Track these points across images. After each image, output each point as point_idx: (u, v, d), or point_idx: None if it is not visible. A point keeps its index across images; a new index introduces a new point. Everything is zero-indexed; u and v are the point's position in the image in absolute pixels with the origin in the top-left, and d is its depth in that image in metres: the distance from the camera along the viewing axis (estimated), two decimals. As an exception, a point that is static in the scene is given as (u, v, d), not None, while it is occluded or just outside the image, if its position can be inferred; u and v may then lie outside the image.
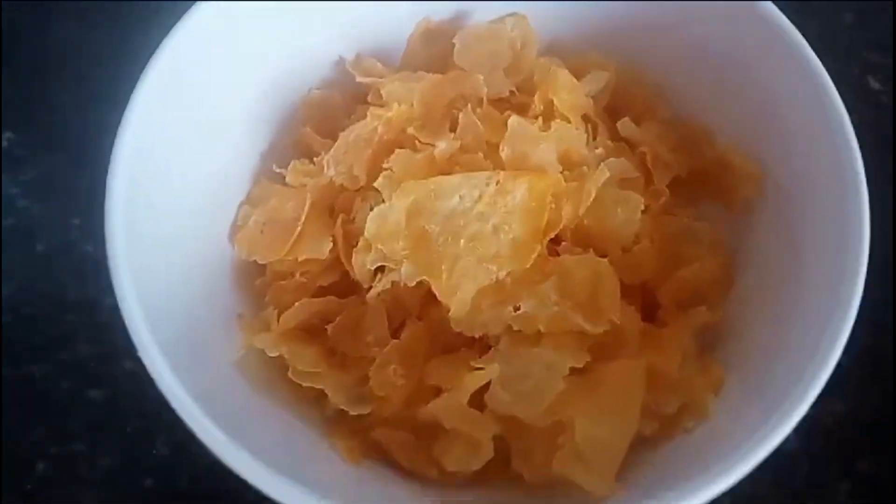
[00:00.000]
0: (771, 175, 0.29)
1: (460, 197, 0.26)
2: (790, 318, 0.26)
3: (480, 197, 0.26)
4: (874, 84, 0.40)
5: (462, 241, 0.26)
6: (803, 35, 0.40)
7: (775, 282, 0.28)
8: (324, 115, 0.33)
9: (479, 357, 0.27)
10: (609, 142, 0.30)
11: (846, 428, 0.34)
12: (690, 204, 0.31)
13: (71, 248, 0.37)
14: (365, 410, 0.28)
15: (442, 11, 0.34)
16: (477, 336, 0.26)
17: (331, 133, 0.32)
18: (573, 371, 0.25)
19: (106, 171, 0.27)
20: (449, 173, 0.27)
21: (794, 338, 0.26)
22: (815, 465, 0.33)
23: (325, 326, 0.29)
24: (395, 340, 0.27)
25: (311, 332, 0.29)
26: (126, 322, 0.24)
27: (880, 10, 0.42)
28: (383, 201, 0.27)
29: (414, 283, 0.26)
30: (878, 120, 0.40)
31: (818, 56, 0.40)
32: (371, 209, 0.28)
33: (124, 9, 0.42)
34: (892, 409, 0.34)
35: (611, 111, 0.32)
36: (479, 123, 0.28)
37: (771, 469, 0.33)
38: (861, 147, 0.38)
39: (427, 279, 0.26)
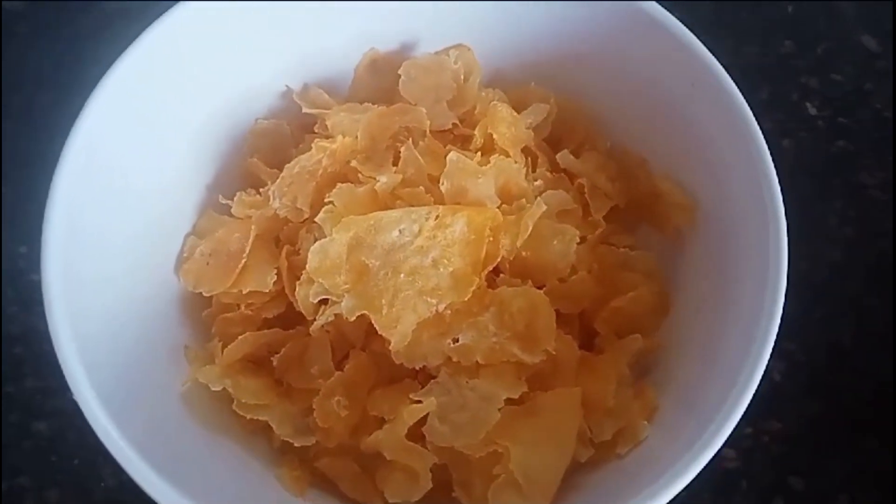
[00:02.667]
0: (702, 204, 0.30)
1: (400, 231, 0.27)
2: (719, 342, 0.27)
3: (420, 231, 0.27)
4: (811, 109, 0.42)
5: (402, 274, 0.26)
6: (743, 60, 0.42)
7: (706, 307, 0.29)
8: (271, 145, 0.34)
9: (422, 387, 0.27)
10: (549, 173, 0.31)
11: (782, 445, 0.35)
12: (628, 231, 0.32)
13: (17, 277, 0.36)
14: (310, 442, 0.28)
15: (389, 42, 0.34)
16: (418, 368, 0.27)
17: (278, 163, 0.32)
18: (511, 400, 0.26)
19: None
20: (391, 207, 0.28)
21: (722, 360, 0.27)
22: (752, 483, 0.34)
23: (271, 358, 0.29)
24: (338, 372, 0.28)
25: (258, 362, 0.30)
26: (60, 363, 0.24)
27: (817, 37, 0.43)
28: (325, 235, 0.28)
29: (354, 318, 0.26)
30: (815, 143, 0.41)
31: (757, 80, 0.43)
32: (315, 241, 0.28)
33: (69, 38, 0.42)
34: (826, 426, 0.35)
35: (552, 141, 0.33)
36: (419, 158, 0.29)
37: (710, 487, 0.34)
38: (798, 169, 0.40)
39: (367, 313, 0.26)
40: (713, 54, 0.30)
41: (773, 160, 0.29)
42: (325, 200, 0.28)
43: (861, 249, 0.39)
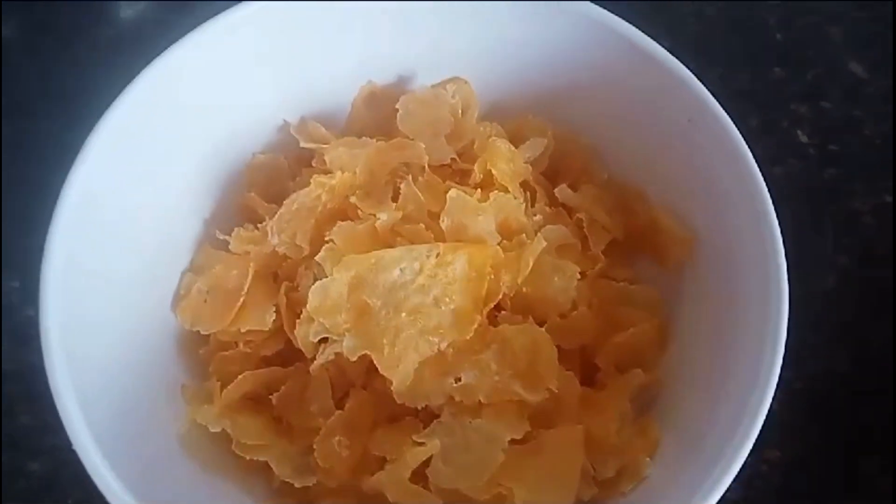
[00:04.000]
0: (701, 236, 0.31)
1: (401, 270, 0.27)
2: (721, 376, 0.28)
3: (421, 269, 0.27)
4: (802, 137, 0.42)
5: (403, 313, 0.26)
6: (733, 87, 0.43)
7: (707, 340, 0.29)
8: (268, 179, 0.34)
9: (424, 425, 0.27)
10: (547, 208, 0.31)
11: (782, 474, 0.35)
12: (628, 264, 0.32)
13: (10, 312, 0.36)
14: (310, 482, 0.28)
15: (386, 75, 0.34)
16: (420, 407, 0.27)
17: (276, 197, 0.32)
18: (514, 440, 0.26)
19: (46, 235, 0.27)
20: (391, 244, 0.28)
21: (725, 395, 0.27)
22: (753, 513, 0.34)
23: (270, 396, 0.29)
24: (339, 411, 0.28)
25: (257, 400, 0.29)
26: (57, 404, 0.24)
27: (806, 64, 0.44)
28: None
29: (356, 357, 0.26)
30: (806, 171, 0.42)
31: (747, 108, 0.43)
32: (315, 278, 0.28)
33: (66, 67, 0.42)
34: (825, 453, 0.35)
35: (550, 173, 0.33)
36: (419, 194, 0.29)
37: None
38: (790, 197, 0.40)
39: (369, 352, 0.26)
40: (704, 81, 0.30)
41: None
42: (326, 238, 0.28)
43: (855, 276, 0.39)
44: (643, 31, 0.31)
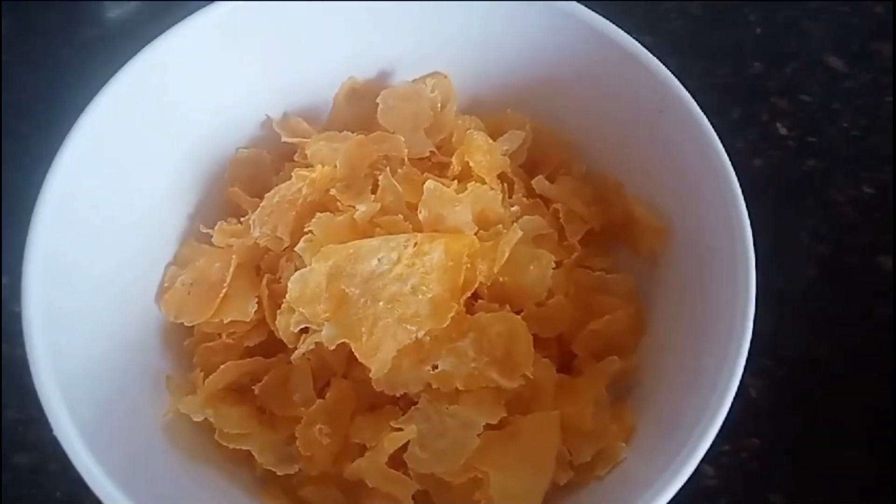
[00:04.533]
0: (675, 226, 0.31)
1: (379, 259, 0.27)
2: (693, 362, 0.28)
3: (399, 259, 0.27)
4: (781, 129, 0.43)
5: (381, 302, 0.27)
6: (715, 81, 0.43)
7: (681, 327, 0.30)
8: (252, 173, 0.34)
9: (404, 413, 0.28)
10: (525, 199, 0.31)
11: (761, 462, 0.35)
12: (605, 253, 0.33)
13: (-1, 308, 0.36)
14: (292, 470, 0.28)
15: (368, 70, 0.35)
16: (398, 395, 0.27)
17: (259, 192, 0.32)
18: (490, 425, 0.26)
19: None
20: (370, 235, 0.28)
21: (696, 380, 0.27)
22: (731, 500, 0.34)
23: (253, 386, 0.29)
24: (320, 400, 0.28)
25: (240, 391, 0.30)
26: (41, 398, 0.24)
27: (786, 58, 0.45)
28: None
29: (334, 346, 0.27)
30: (786, 163, 0.42)
31: (728, 101, 0.44)
32: (296, 269, 0.29)
33: (50, 67, 0.42)
34: (804, 441, 0.36)
35: (529, 166, 0.34)
36: (398, 185, 0.29)
37: (690, 505, 0.34)
38: (770, 189, 0.41)
39: (347, 341, 0.27)
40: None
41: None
42: (305, 230, 0.28)
43: (834, 265, 0.40)
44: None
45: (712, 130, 0.28)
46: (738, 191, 0.28)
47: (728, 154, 0.29)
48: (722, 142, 0.29)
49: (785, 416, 0.36)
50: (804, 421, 0.36)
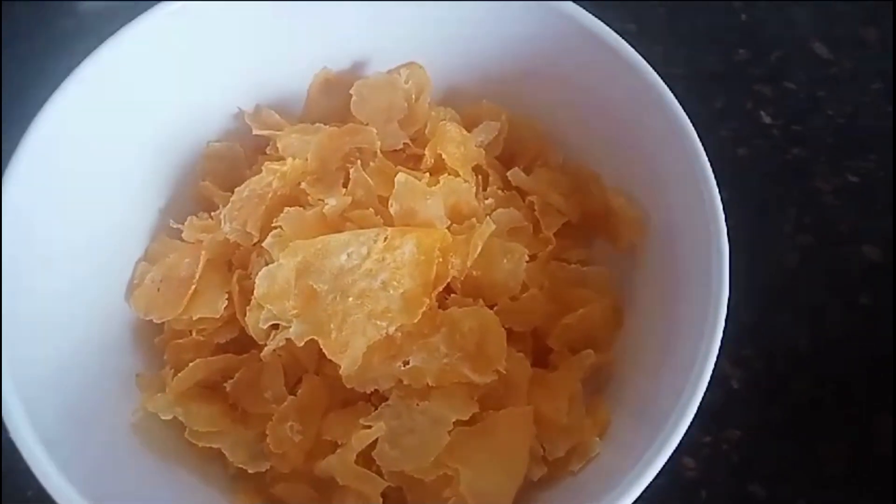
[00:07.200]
0: (652, 218, 0.31)
1: (348, 254, 0.27)
2: (667, 355, 0.28)
3: (369, 254, 0.27)
4: (766, 118, 0.42)
5: (351, 298, 0.26)
6: (698, 69, 0.43)
7: (657, 320, 0.29)
8: (224, 167, 0.33)
9: (376, 409, 0.27)
10: (500, 191, 0.31)
11: (741, 453, 0.35)
12: (582, 245, 0.32)
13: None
14: (264, 468, 0.28)
15: (342, 61, 0.34)
16: (369, 392, 0.27)
17: (232, 185, 0.32)
18: (462, 421, 0.26)
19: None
20: (340, 230, 0.28)
21: (670, 372, 0.27)
22: (712, 491, 0.34)
23: (225, 383, 0.29)
24: (291, 397, 0.28)
25: (212, 388, 0.30)
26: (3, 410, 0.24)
27: (770, 45, 0.44)
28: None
29: (303, 343, 0.26)
30: (770, 151, 0.42)
31: (712, 89, 0.43)
32: (266, 265, 0.28)
33: (23, 60, 0.41)
34: (785, 432, 0.35)
35: (505, 157, 0.33)
36: (369, 179, 0.29)
37: (671, 497, 0.34)
38: (754, 178, 0.41)
39: (316, 338, 0.26)
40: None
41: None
42: (273, 225, 0.28)
43: (817, 256, 0.39)
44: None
45: (687, 120, 0.28)
46: (713, 182, 0.27)
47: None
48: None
49: (766, 407, 0.36)
50: (785, 412, 0.36)
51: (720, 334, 0.25)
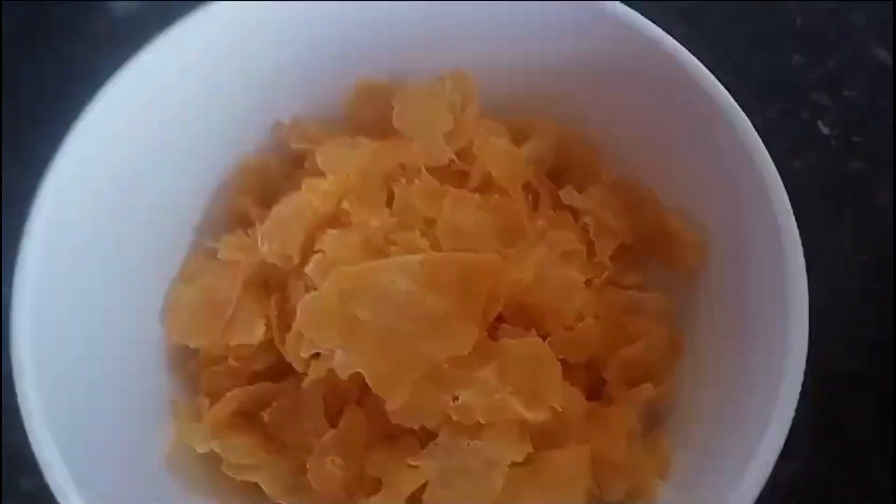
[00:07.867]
0: (715, 240, 0.29)
1: (394, 281, 0.25)
2: (738, 392, 0.26)
3: (415, 280, 0.25)
4: (823, 128, 0.40)
5: (396, 328, 0.25)
6: (751, 76, 0.41)
7: (723, 351, 0.28)
8: (260, 181, 0.32)
9: (422, 444, 0.26)
10: (551, 211, 0.29)
11: (800, 487, 0.33)
12: (637, 268, 0.30)
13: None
14: (302, 502, 0.26)
15: (382, 70, 0.33)
16: (416, 428, 0.25)
17: (269, 199, 0.31)
18: (515, 462, 0.25)
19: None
20: (384, 252, 0.27)
21: (743, 412, 0.25)
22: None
23: (262, 412, 0.27)
24: (332, 429, 0.26)
25: (249, 415, 0.28)
26: (28, 433, 0.23)
27: (828, 51, 0.42)
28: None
29: (347, 376, 0.25)
30: (827, 164, 0.40)
31: (766, 98, 0.41)
32: (306, 289, 0.27)
33: (57, 64, 0.40)
34: (847, 464, 0.34)
35: (555, 173, 0.31)
36: (414, 199, 0.27)
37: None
38: (811, 193, 0.38)
39: (361, 371, 0.25)
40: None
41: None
42: (315, 249, 0.27)
43: (878, 275, 0.37)
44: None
45: (760, 141, 0.26)
46: (788, 209, 0.25)
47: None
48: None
49: (826, 441, 0.34)
50: (845, 444, 0.34)
51: (801, 377, 0.23)
